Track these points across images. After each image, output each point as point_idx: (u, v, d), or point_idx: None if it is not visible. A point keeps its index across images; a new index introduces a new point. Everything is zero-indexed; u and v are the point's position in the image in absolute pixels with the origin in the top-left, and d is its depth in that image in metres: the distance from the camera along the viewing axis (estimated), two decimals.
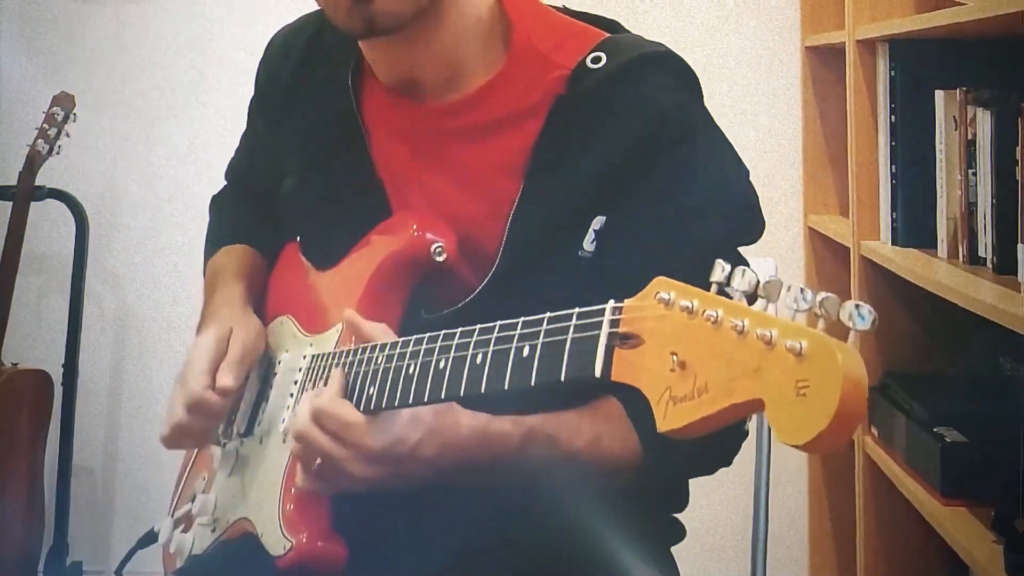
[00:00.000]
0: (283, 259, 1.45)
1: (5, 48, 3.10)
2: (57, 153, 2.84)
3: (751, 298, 0.74)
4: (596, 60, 1.25)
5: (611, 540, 1.30)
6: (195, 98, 3.04)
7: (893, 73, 2.36)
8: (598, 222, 1.20)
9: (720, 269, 0.76)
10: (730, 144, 1.29)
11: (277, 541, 1.21)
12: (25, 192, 2.79)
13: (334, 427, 1.12)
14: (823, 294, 0.71)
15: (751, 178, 1.28)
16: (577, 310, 0.89)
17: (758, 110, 2.95)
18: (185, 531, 1.39)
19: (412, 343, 1.11)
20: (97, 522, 3.10)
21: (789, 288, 0.72)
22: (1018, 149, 1.92)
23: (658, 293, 0.79)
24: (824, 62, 2.87)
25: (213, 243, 1.55)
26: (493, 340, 0.99)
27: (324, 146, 1.36)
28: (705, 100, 1.30)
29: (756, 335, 0.71)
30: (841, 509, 2.74)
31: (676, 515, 1.39)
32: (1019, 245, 1.85)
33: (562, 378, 0.88)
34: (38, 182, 2.81)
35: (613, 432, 1.21)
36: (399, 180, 1.31)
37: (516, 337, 0.95)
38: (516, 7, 1.31)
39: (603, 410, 1.21)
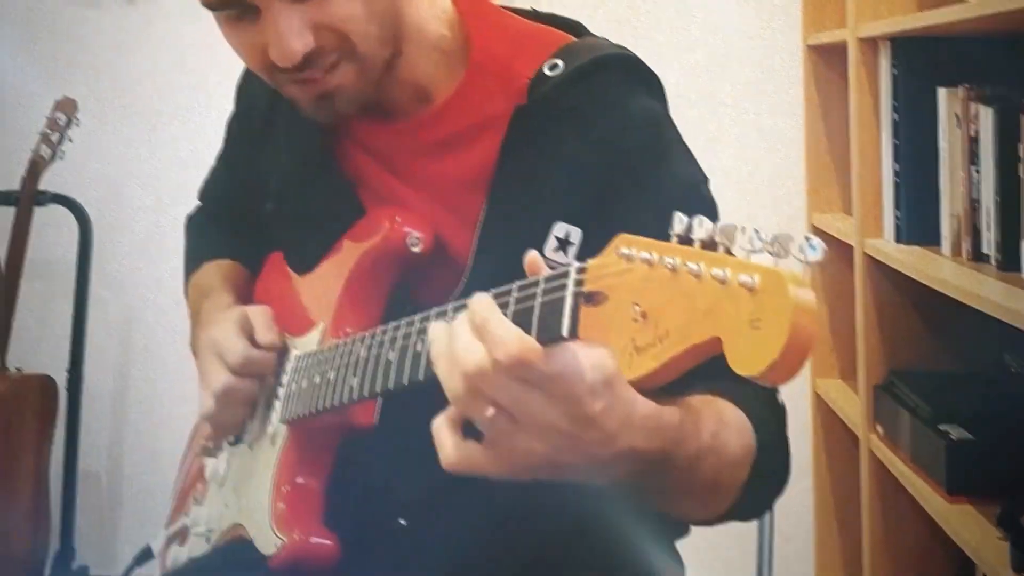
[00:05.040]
0: (266, 269, 1.46)
1: (7, 53, 3.10)
2: (60, 158, 2.84)
3: (711, 246, 0.75)
4: (553, 67, 1.23)
5: (616, 535, 1.30)
6: (197, 101, 3.04)
7: (895, 71, 2.36)
8: (560, 229, 1.17)
9: (679, 221, 0.77)
10: (686, 146, 1.27)
11: (269, 541, 1.22)
12: (28, 197, 2.79)
13: (523, 372, 0.87)
14: (777, 233, 0.72)
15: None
16: (544, 274, 0.90)
17: (760, 109, 2.95)
18: (181, 545, 1.39)
19: (391, 330, 1.10)
20: (103, 526, 3.11)
21: (744, 230, 0.73)
22: (1021, 146, 1.93)
23: (619, 249, 0.80)
24: (826, 61, 2.87)
25: (193, 261, 1.59)
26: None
27: (299, 169, 1.37)
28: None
29: (711, 276, 0.72)
30: (847, 507, 2.75)
31: None
32: (1022, 242, 1.85)
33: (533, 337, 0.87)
34: (41, 187, 2.82)
35: (730, 423, 1.07)
36: (373, 192, 1.31)
37: None
38: (475, 17, 1.30)
39: (708, 409, 1.06)
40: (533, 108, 1.23)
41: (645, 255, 0.78)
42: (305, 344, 1.30)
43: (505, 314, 0.89)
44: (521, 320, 0.89)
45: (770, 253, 0.72)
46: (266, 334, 1.30)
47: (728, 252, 0.74)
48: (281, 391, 1.30)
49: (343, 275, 1.28)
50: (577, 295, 0.83)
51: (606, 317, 0.80)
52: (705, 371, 1.08)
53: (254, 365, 1.29)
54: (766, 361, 0.68)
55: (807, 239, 0.71)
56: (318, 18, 1.18)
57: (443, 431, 0.93)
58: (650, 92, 1.27)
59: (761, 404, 1.12)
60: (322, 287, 1.32)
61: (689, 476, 1.00)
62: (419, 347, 1.04)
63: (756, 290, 0.70)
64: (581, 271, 0.84)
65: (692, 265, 0.73)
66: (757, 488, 1.09)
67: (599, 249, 0.83)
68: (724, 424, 1.05)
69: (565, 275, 0.86)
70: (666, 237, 0.76)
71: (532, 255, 0.95)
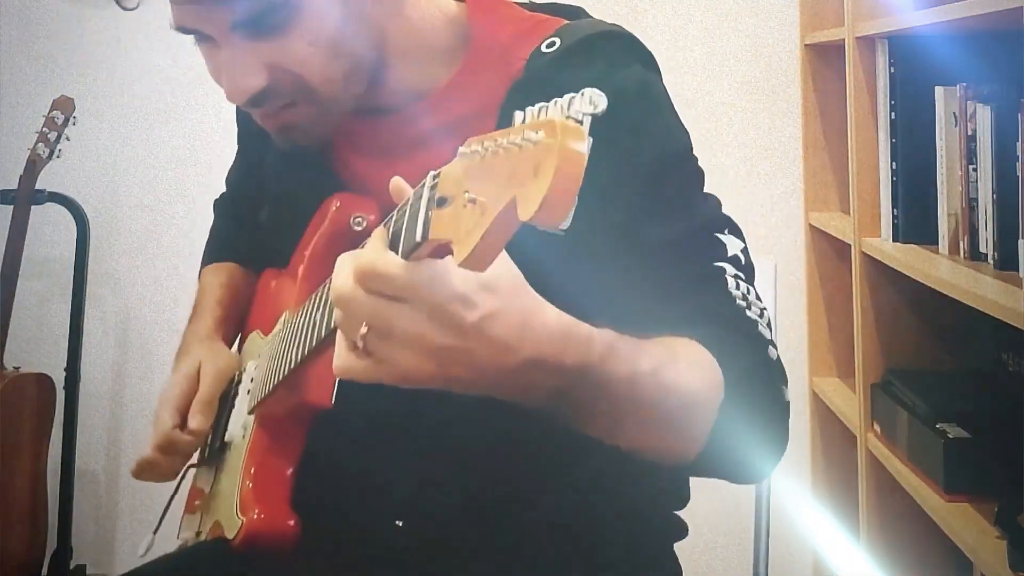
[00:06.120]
0: (261, 281, 1.48)
1: (5, 52, 3.10)
2: (57, 157, 2.84)
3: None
4: (551, 45, 1.23)
5: (613, 537, 1.30)
6: (195, 100, 3.04)
7: (893, 70, 2.36)
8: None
9: (517, 120, 0.82)
10: (677, 117, 1.26)
11: (233, 524, 1.23)
12: (26, 196, 2.79)
13: (378, 285, 0.89)
14: (572, 95, 0.78)
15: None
16: (411, 191, 0.92)
17: (758, 108, 2.95)
18: None
19: (319, 292, 1.11)
20: (100, 525, 3.11)
21: (555, 103, 0.78)
22: (1018, 144, 1.92)
23: (459, 150, 0.84)
24: (824, 59, 2.88)
25: (209, 251, 1.61)
26: None
27: (295, 175, 1.37)
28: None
29: (513, 144, 0.76)
30: (844, 506, 2.75)
31: (678, 512, 1.39)
32: (1020, 241, 1.85)
33: (400, 253, 0.89)
34: (39, 186, 2.81)
35: (685, 359, 1.05)
36: (368, 189, 1.31)
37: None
38: (477, 8, 1.30)
39: (659, 341, 1.05)
40: (529, 82, 1.22)
41: (476, 147, 0.81)
42: (271, 337, 1.32)
43: (392, 231, 0.92)
44: (394, 239, 0.91)
45: (568, 116, 0.76)
46: (196, 419, 1.33)
47: None
48: (251, 385, 1.33)
49: (302, 266, 1.31)
50: (429, 201, 0.86)
51: (450, 215, 0.83)
52: (682, 319, 1.08)
53: (175, 447, 1.33)
54: (536, 201, 0.72)
55: (596, 90, 0.77)
56: (274, 59, 1.17)
57: (338, 339, 0.94)
58: (644, 65, 1.27)
59: (742, 355, 1.10)
60: (288, 280, 1.35)
61: (627, 400, 0.99)
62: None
63: (539, 142, 0.74)
64: (435, 178, 0.87)
65: (504, 141, 0.77)
66: (733, 439, 1.07)
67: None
68: (675, 357, 1.03)
69: (423, 187, 0.88)
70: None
71: (395, 180, 0.97)
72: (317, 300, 1.11)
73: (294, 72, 1.18)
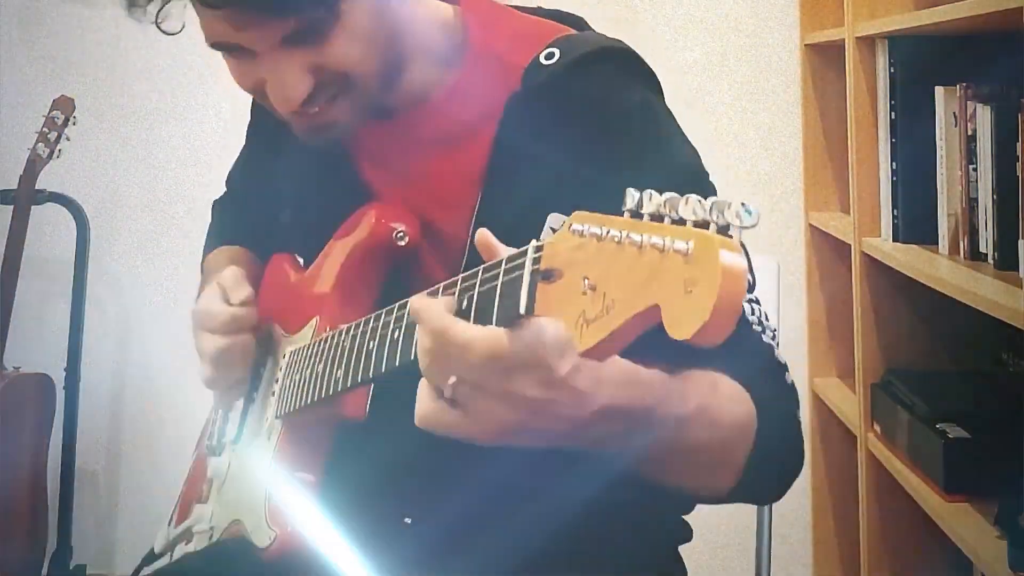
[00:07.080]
0: (269, 269, 1.47)
1: (5, 52, 3.10)
2: (57, 157, 2.84)
3: (659, 218, 0.77)
4: (549, 56, 1.22)
5: (620, 540, 1.30)
6: (195, 100, 3.04)
7: (893, 70, 2.36)
8: (555, 220, 1.15)
9: (631, 198, 0.79)
10: (685, 136, 1.26)
11: (263, 533, 1.23)
12: (26, 196, 2.79)
13: (480, 359, 0.90)
14: (715, 199, 0.73)
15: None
16: (506, 254, 0.91)
17: (758, 108, 2.95)
18: (187, 544, 1.40)
19: (372, 320, 1.11)
20: (100, 525, 3.10)
21: (687, 200, 0.74)
22: (1018, 145, 1.93)
23: (573, 226, 0.82)
24: (824, 59, 2.88)
25: (212, 241, 1.61)
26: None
27: (319, 177, 1.37)
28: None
29: (651, 245, 0.74)
30: (844, 506, 2.75)
31: (683, 516, 1.39)
32: (1020, 241, 1.85)
33: (494, 321, 0.89)
34: (39, 186, 2.81)
35: (724, 393, 1.07)
36: (386, 197, 1.32)
37: (458, 292, 0.96)
38: (475, 14, 1.30)
39: (700, 377, 1.07)
40: (527, 95, 1.22)
41: (595, 230, 0.79)
42: (299, 340, 1.32)
43: (471, 295, 0.92)
44: (484, 302, 0.91)
45: (709, 220, 0.73)
46: (237, 293, 1.33)
47: (675, 222, 0.75)
48: (276, 387, 1.31)
49: (334, 272, 1.30)
50: (534, 273, 0.85)
51: (560, 292, 0.82)
52: (705, 351, 1.08)
53: (236, 322, 1.32)
54: (697, 324, 0.70)
55: (743, 204, 0.73)
56: (319, 61, 1.18)
57: (422, 388, 0.94)
58: (646, 84, 1.26)
59: (765, 382, 1.12)
60: (316, 283, 1.34)
61: (679, 439, 1.01)
62: (396, 335, 1.05)
63: (690, 256, 0.71)
64: (538, 250, 0.86)
65: (635, 236, 0.75)
66: (764, 466, 1.09)
67: None
68: (717, 392, 1.05)
69: (524, 254, 0.87)
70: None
71: (482, 233, 0.97)
72: (372, 329, 1.10)
73: (338, 70, 1.19)
